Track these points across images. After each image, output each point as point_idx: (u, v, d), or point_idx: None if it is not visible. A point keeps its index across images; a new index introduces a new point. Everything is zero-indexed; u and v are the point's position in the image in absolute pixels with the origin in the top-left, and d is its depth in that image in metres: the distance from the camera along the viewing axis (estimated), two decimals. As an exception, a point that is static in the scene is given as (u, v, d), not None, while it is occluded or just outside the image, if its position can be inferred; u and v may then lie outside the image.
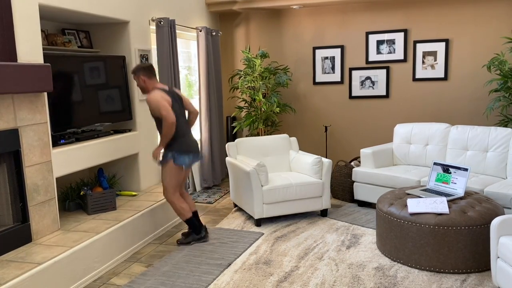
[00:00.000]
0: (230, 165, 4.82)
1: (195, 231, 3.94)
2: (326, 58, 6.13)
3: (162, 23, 4.76)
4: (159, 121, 3.70)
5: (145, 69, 3.75)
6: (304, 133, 6.40)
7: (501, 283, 2.85)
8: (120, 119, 4.35)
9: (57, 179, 4.04)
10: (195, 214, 4.02)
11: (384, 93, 5.92)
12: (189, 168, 3.89)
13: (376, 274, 3.27)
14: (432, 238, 3.25)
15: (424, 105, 5.79)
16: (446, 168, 3.77)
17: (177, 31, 5.42)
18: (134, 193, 4.46)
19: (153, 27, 4.88)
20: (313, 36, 6.17)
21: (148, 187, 4.75)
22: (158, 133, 3.83)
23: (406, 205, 3.49)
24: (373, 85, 5.95)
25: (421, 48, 5.68)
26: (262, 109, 5.81)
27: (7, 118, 3.03)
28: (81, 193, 3.96)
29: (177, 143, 3.75)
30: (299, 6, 5.90)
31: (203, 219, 4.69)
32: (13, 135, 3.07)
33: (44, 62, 3.44)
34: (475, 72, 5.54)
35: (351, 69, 6.02)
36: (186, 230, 4.17)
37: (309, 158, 4.57)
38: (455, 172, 3.69)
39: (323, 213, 4.61)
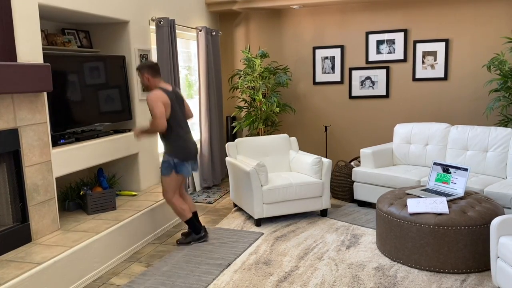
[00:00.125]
0: (230, 165, 4.82)
1: (195, 231, 3.94)
2: (326, 58, 6.13)
3: (162, 23, 4.76)
4: None
5: (150, 67, 3.76)
6: (304, 133, 6.40)
7: (501, 283, 2.85)
8: (120, 119, 4.35)
9: (56, 179, 4.04)
10: (194, 214, 4.02)
11: (384, 93, 5.92)
12: (189, 175, 3.91)
13: (376, 274, 3.27)
14: (432, 238, 3.25)
15: (424, 105, 5.79)
16: (446, 168, 3.77)
17: (177, 31, 5.42)
18: (134, 193, 4.46)
19: (153, 27, 4.88)
20: (313, 36, 6.17)
21: (148, 187, 4.75)
22: (160, 138, 3.83)
23: (406, 205, 3.49)
24: (373, 85, 5.95)
25: (421, 48, 5.68)
26: (262, 109, 5.81)
27: (7, 118, 3.03)
28: (81, 193, 3.96)
29: (178, 148, 3.74)
30: (299, 6, 5.90)
31: (203, 219, 4.69)
32: (12, 135, 3.07)
33: (44, 62, 3.43)
34: (475, 72, 5.53)
35: (351, 69, 6.02)
36: (186, 230, 4.17)
37: (309, 158, 4.57)
38: (455, 172, 3.69)
39: (323, 213, 4.61)
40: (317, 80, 6.21)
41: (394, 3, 5.76)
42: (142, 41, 4.62)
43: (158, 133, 3.78)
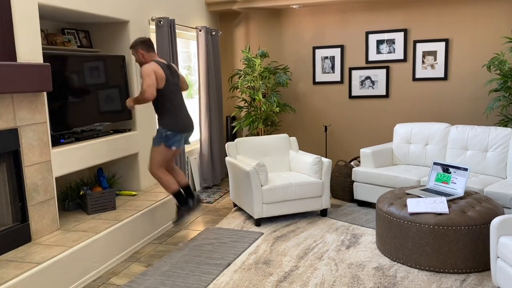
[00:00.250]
0: (229, 165, 4.82)
1: (181, 202, 3.95)
2: (326, 57, 6.13)
3: (162, 22, 4.76)
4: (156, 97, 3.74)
5: (143, 42, 3.78)
6: (304, 133, 6.40)
7: (501, 283, 2.85)
8: (119, 118, 4.35)
9: (56, 178, 4.04)
10: (187, 188, 4.02)
11: (384, 93, 5.92)
12: (178, 150, 3.92)
13: (375, 274, 3.27)
14: (431, 238, 3.25)
15: (424, 105, 5.79)
16: (446, 168, 3.77)
17: (177, 30, 5.42)
18: (133, 192, 4.46)
19: (152, 26, 4.88)
20: (313, 36, 6.16)
21: (148, 187, 4.75)
22: (154, 110, 3.86)
23: (406, 205, 3.49)
24: (373, 84, 5.95)
25: (421, 47, 5.68)
26: (262, 108, 5.81)
27: (6, 117, 3.03)
28: (81, 193, 3.96)
29: (173, 120, 3.78)
30: (299, 5, 5.90)
31: (202, 218, 4.69)
32: (12, 134, 3.07)
33: (44, 61, 3.43)
34: (475, 72, 5.53)
35: (351, 69, 6.02)
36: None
37: (309, 158, 4.56)
38: (455, 172, 3.69)
39: (323, 213, 4.61)
40: (317, 80, 6.21)
41: (394, 3, 5.76)
42: (142, 41, 4.61)
43: (153, 107, 3.82)
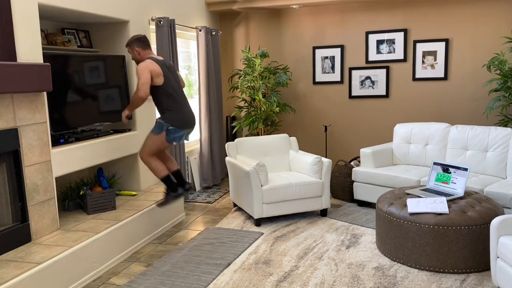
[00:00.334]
0: (229, 165, 4.82)
1: (171, 188, 3.95)
2: (326, 57, 6.13)
3: (162, 22, 4.76)
4: (154, 92, 3.73)
5: (139, 40, 3.78)
6: (304, 132, 6.40)
7: (501, 283, 2.85)
8: (119, 118, 4.35)
9: (56, 178, 4.04)
10: (177, 172, 4.02)
11: (384, 93, 5.92)
12: (177, 144, 3.92)
13: (375, 274, 3.27)
14: (431, 238, 3.25)
15: (424, 105, 5.79)
16: (446, 168, 3.77)
17: (177, 30, 5.42)
18: (133, 192, 4.46)
19: (152, 26, 4.88)
20: (313, 36, 6.16)
21: (148, 187, 4.75)
22: (157, 109, 3.86)
23: (406, 205, 3.49)
24: (373, 84, 5.95)
25: (421, 47, 5.68)
26: (262, 108, 5.80)
27: (6, 117, 3.03)
28: (81, 193, 3.96)
29: (174, 115, 3.77)
30: (299, 5, 5.90)
31: (202, 218, 4.69)
32: (12, 134, 3.07)
33: (44, 61, 3.43)
34: (475, 72, 5.53)
35: (351, 69, 6.02)
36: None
37: (309, 158, 4.56)
38: (455, 172, 3.69)
39: (323, 213, 4.61)
40: (317, 80, 6.21)
41: (394, 3, 5.76)
42: (142, 41, 4.61)
43: (156, 105, 3.80)
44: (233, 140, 5.96)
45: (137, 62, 3.82)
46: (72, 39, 4.24)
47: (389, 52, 5.82)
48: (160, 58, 3.82)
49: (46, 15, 3.85)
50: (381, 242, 3.60)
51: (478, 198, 3.53)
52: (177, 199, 3.98)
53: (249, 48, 5.96)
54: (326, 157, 6.17)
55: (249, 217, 4.66)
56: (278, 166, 4.92)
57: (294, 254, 3.66)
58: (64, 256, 3.05)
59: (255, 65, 5.71)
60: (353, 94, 6.05)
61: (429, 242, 3.26)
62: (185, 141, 5.12)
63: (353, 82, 6.03)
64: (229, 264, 3.51)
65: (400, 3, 5.73)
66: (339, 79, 6.10)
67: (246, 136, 6.13)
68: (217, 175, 5.99)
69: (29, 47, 3.20)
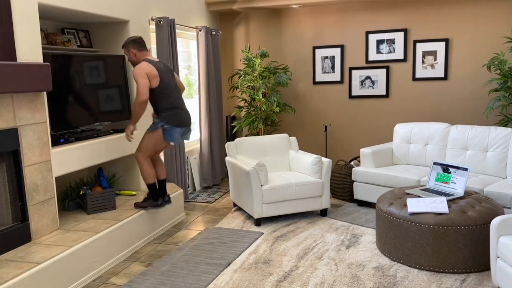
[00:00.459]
0: (229, 165, 4.82)
1: (153, 197, 3.96)
2: (326, 57, 6.13)
3: (161, 22, 4.76)
4: (150, 94, 3.73)
5: (135, 41, 3.78)
6: (303, 132, 6.40)
7: (501, 283, 2.84)
8: (119, 118, 4.35)
9: (56, 178, 4.04)
10: (162, 182, 4.04)
11: (384, 93, 5.92)
12: (175, 144, 3.93)
13: (375, 274, 3.27)
14: (431, 237, 3.25)
15: (424, 104, 5.79)
16: (446, 168, 3.77)
17: (176, 30, 5.42)
18: (133, 192, 4.46)
19: (152, 26, 4.88)
20: (313, 36, 6.16)
21: (148, 187, 4.74)
22: (153, 110, 3.87)
23: (405, 205, 3.49)
24: (373, 84, 5.95)
25: (421, 47, 5.68)
26: (262, 108, 5.80)
27: (6, 117, 3.02)
28: (81, 193, 3.96)
29: (171, 114, 3.79)
30: (299, 5, 5.90)
31: (202, 218, 4.69)
32: (12, 134, 3.07)
33: (44, 61, 3.43)
34: (475, 72, 5.53)
35: (351, 69, 6.02)
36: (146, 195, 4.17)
37: (309, 158, 4.56)
38: (455, 172, 3.69)
39: (323, 213, 4.61)
40: (317, 79, 6.21)
41: (394, 3, 5.75)
42: (142, 41, 4.61)
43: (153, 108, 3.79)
44: (233, 140, 5.96)
45: (133, 64, 3.82)
46: (72, 39, 4.24)
47: (389, 52, 5.82)
48: (156, 59, 3.82)
49: (46, 15, 3.84)
50: (381, 242, 3.60)
51: (478, 198, 3.53)
52: (154, 208, 4.00)
53: (249, 48, 5.96)
54: (326, 157, 6.18)
55: (249, 217, 4.66)
56: (278, 166, 4.92)
57: (294, 254, 3.66)
58: (64, 256, 3.05)
59: (255, 65, 5.71)
60: (353, 94, 6.05)
61: (429, 242, 3.26)
62: (185, 141, 5.12)
63: (353, 82, 6.03)
64: (229, 264, 3.51)
65: (400, 3, 5.73)
66: (339, 79, 6.10)
67: (246, 136, 6.13)
68: (217, 175, 5.99)
69: (29, 47, 3.20)
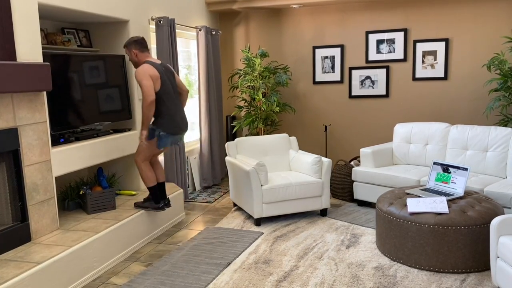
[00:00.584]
0: (229, 165, 4.81)
1: (154, 200, 3.97)
2: (326, 57, 6.13)
3: (161, 22, 4.76)
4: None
5: (137, 42, 3.76)
6: (303, 132, 6.40)
7: (501, 283, 2.84)
8: (119, 118, 4.35)
9: (56, 178, 4.03)
10: (161, 185, 4.04)
11: (384, 93, 5.92)
12: (166, 148, 3.94)
13: (375, 274, 3.27)
14: (431, 237, 3.25)
15: (424, 104, 5.79)
16: (445, 168, 3.76)
17: (176, 30, 5.42)
18: (133, 192, 4.46)
19: (152, 26, 4.87)
20: (313, 36, 6.16)
21: (148, 187, 4.74)
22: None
23: (405, 205, 3.49)
24: (373, 84, 5.95)
25: (421, 47, 5.68)
26: (262, 108, 5.80)
27: (6, 117, 3.02)
28: (81, 193, 3.96)
29: (166, 122, 3.77)
30: (299, 5, 5.90)
31: (202, 218, 4.69)
32: (12, 134, 3.07)
33: (44, 61, 3.43)
34: (475, 72, 5.53)
35: (351, 69, 6.02)
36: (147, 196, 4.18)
37: (309, 158, 4.56)
38: (455, 172, 3.69)
39: (323, 213, 4.60)
40: (317, 79, 6.21)
41: (394, 3, 5.75)
42: (142, 41, 4.61)
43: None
44: (233, 140, 5.96)
45: (134, 64, 3.81)
46: (72, 38, 4.24)
47: (389, 52, 5.82)
48: (158, 61, 3.80)
49: (46, 14, 3.84)
50: (381, 242, 3.60)
51: (478, 198, 3.53)
52: (155, 210, 3.99)
53: (249, 48, 5.96)
54: (326, 157, 6.18)
55: (249, 216, 4.66)
56: (278, 165, 4.92)
57: (294, 254, 3.66)
58: (64, 255, 3.05)
59: (255, 64, 5.71)
60: (353, 94, 6.05)
61: (429, 242, 3.26)
62: (185, 141, 5.12)
63: (353, 82, 6.03)
64: (229, 263, 3.51)
65: (400, 3, 5.73)
66: (339, 79, 6.10)
67: (246, 135, 6.13)
68: (217, 174, 5.99)
69: (29, 47, 3.20)
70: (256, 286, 3.14)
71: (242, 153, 4.86)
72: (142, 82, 3.59)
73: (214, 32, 5.94)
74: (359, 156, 5.41)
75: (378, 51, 5.87)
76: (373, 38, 5.87)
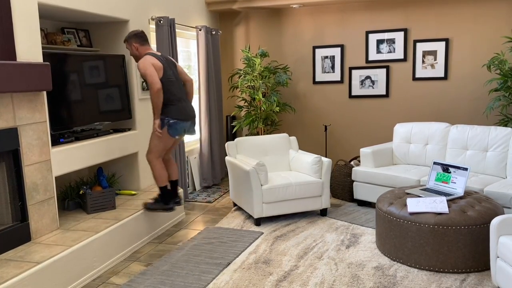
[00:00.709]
0: (229, 165, 4.81)
1: (164, 200, 3.94)
2: (326, 57, 6.13)
3: (161, 22, 4.76)
4: None
5: (137, 35, 3.77)
6: (303, 132, 6.40)
7: (501, 283, 2.84)
8: (119, 118, 4.35)
9: (56, 178, 4.04)
10: (174, 183, 4.02)
11: (384, 93, 5.91)
12: (181, 137, 3.90)
13: (375, 274, 3.27)
14: (431, 237, 3.25)
15: (424, 104, 5.79)
16: (445, 168, 3.76)
17: (176, 30, 5.42)
18: (133, 192, 4.46)
19: (152, 26, 4.87)
20: (313, 35, 6.16)
21: (148, 186, 4.74)
22: None
23: (405, 205, 3.49)
24: (373, 84, 5.95)
25: (421, 47, 5.68)
26: (262, 108, 5.80)
27: (6, 117, 3.02)
28: (81, 192, 3.96)
29: (174, 109, 3.76)
30: (299, 5, 5.89)
31: (202, 218, 4.69)
32: (12, 134, 3.07)
33: (44, 61, 3.43)
34: (475, 72, 5.53)
35: (351, 69, 6.02)
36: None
37: (309, 158, 4.56)
38: (454, 172, 3.69)
39: (323, 213, 4.60)
40: (317, 79, 6.21)
41: (394, 3, 5.75)
42: (142, 40, 4.61)
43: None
44: (233, 140, 5.96)
45: (135, 58, 3.82)
46: (72, 38, 4.24)
47: (389, 52, 5.82)
48: (158, 53, 3.82)
49: (46, 14, 3.84)
50: (381, 242, 3.60)
51: (478, 198, 3.53)
52: (165, 211, 3.98)
53: (249, 48, 5.96)
54: (326, 157, 6.18)
55: (249, 216, 4.66)
56: (278, 165, 4.92)
57: (294, 254, 3.66)
58: (63, 255, 3.05)
59: (255, 64, 5.71)
60: (353, 93, 6.05)
61: (429, 242, 3.25)
62: (185, 141, 5.11)
63: (353, 82, 6.03)
64: (229, 263, 3.51)
65: (400, 3, 5.73)
66: (339, 79, 6.10)
67: (246, 135, 6.13)
68: (217, 174, 5.99)
69: (28, 46, 3.20)
70: (256, 286, 3.14)
71: (242, 153, 4.86)
72: (147, 71, 3.58)
73: (214, 32, 5.94)
74: (359, 156, 5.41)
75: (378, 51, 5.87)
76: (373, 38, 5.87)
